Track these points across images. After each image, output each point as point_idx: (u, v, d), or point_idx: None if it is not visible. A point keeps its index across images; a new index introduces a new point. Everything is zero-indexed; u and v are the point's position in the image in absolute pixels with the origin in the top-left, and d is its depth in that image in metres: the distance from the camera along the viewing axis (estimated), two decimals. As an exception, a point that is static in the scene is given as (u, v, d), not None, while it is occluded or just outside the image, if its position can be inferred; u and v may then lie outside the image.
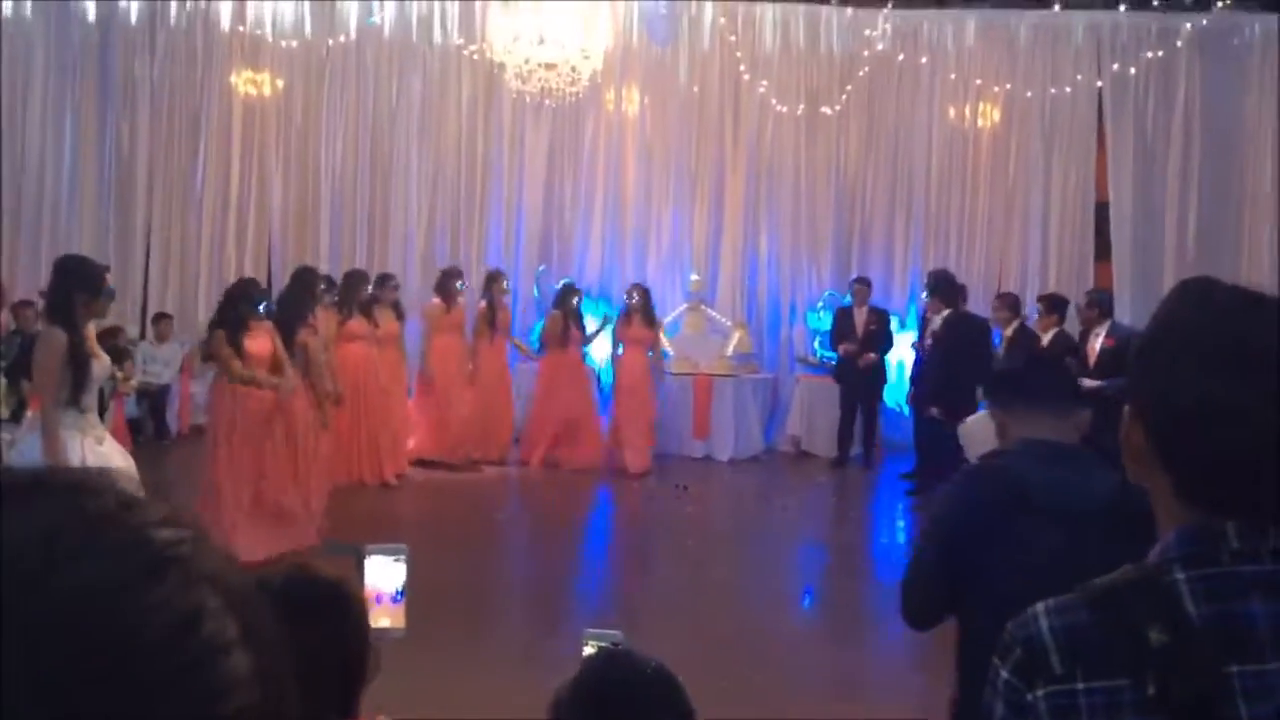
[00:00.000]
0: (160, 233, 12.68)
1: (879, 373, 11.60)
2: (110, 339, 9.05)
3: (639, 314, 11.03)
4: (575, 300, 11.15)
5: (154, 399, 11.38)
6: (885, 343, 11.64)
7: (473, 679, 5.38)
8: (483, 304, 10.89)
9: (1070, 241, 12.77)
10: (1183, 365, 1.24)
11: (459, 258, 12.71)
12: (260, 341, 7.38)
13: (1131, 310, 11.64)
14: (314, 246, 12.72)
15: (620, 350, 11.14)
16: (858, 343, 11.42)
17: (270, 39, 12.49)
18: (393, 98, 12.74)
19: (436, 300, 10.82)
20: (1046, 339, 9.76)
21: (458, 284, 10.85)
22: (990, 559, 2.64)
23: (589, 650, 2.43)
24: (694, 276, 12.57)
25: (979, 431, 3.29)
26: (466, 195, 12.93)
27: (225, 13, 12.49)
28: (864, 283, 11.81)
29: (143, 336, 11.87)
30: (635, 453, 10.79)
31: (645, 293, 11.23)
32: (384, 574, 2.06)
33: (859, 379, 11.38)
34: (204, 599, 0.53)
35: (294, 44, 12.51)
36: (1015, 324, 10.08)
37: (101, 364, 4.78)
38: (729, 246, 12.97)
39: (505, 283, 11.16)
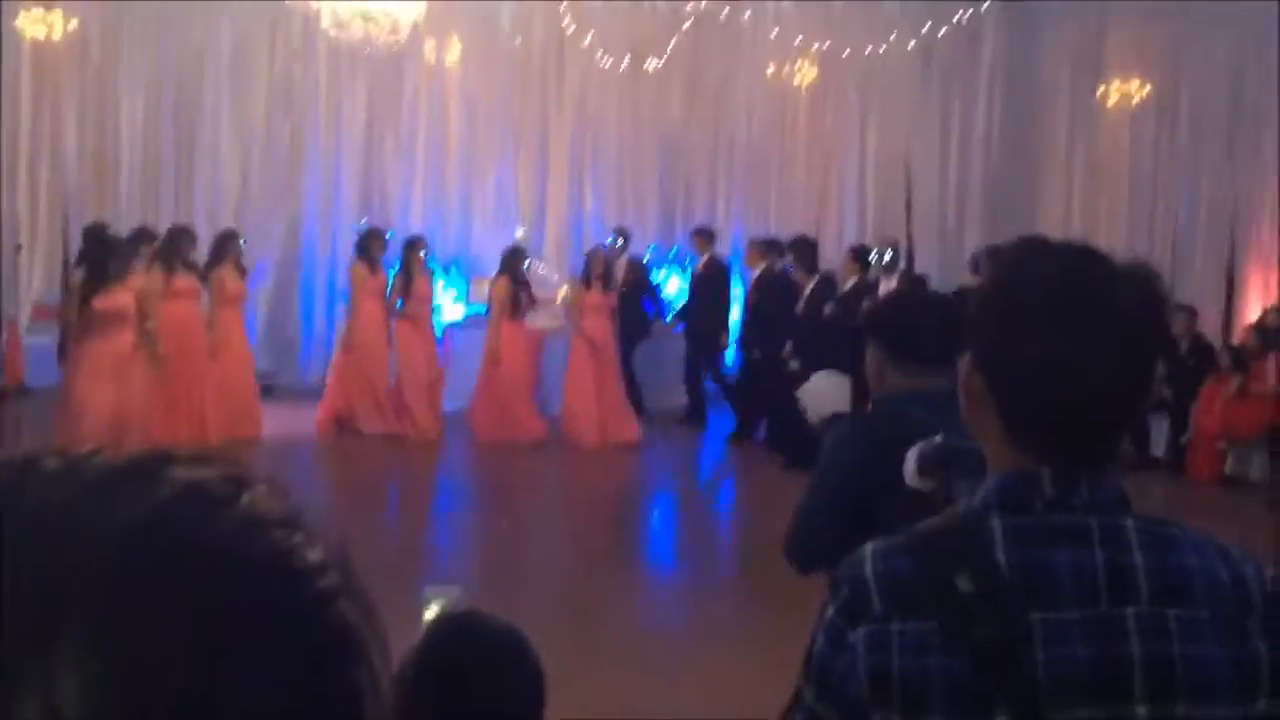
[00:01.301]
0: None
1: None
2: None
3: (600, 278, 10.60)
4: (422, 254, 10.66)
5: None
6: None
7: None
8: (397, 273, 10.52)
9: (883, 197, 13.24)
10: (1019, 317, 1.33)
11: (273, 211, 12.25)
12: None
13: (935, 260, 12.26)
14: (114, 200, 12.00)
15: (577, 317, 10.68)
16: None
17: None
18: (199, 42, 12.08)
19: (360, 262, 10.49)
20: (848, 285, 10.21)
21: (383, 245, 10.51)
22: (889, 505, 2.61)
23: (430, 611, 2.38)
24: (519, 230, 12.46)
25: (826, 391, 3.30)
26: (281, 146, 12.42)
27: (10, -52, 11.57)
28: (702, 234, 11.72)
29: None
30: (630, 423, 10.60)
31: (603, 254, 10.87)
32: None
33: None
34: (312, 552, 0.53)
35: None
36: (815, 278, 10.49)
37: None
38: (554, 200, 12.90)
39: (424, 250, 10.69)
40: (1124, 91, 13.05)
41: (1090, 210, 13.15)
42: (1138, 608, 1.29)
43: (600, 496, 9.16)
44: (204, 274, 9.78)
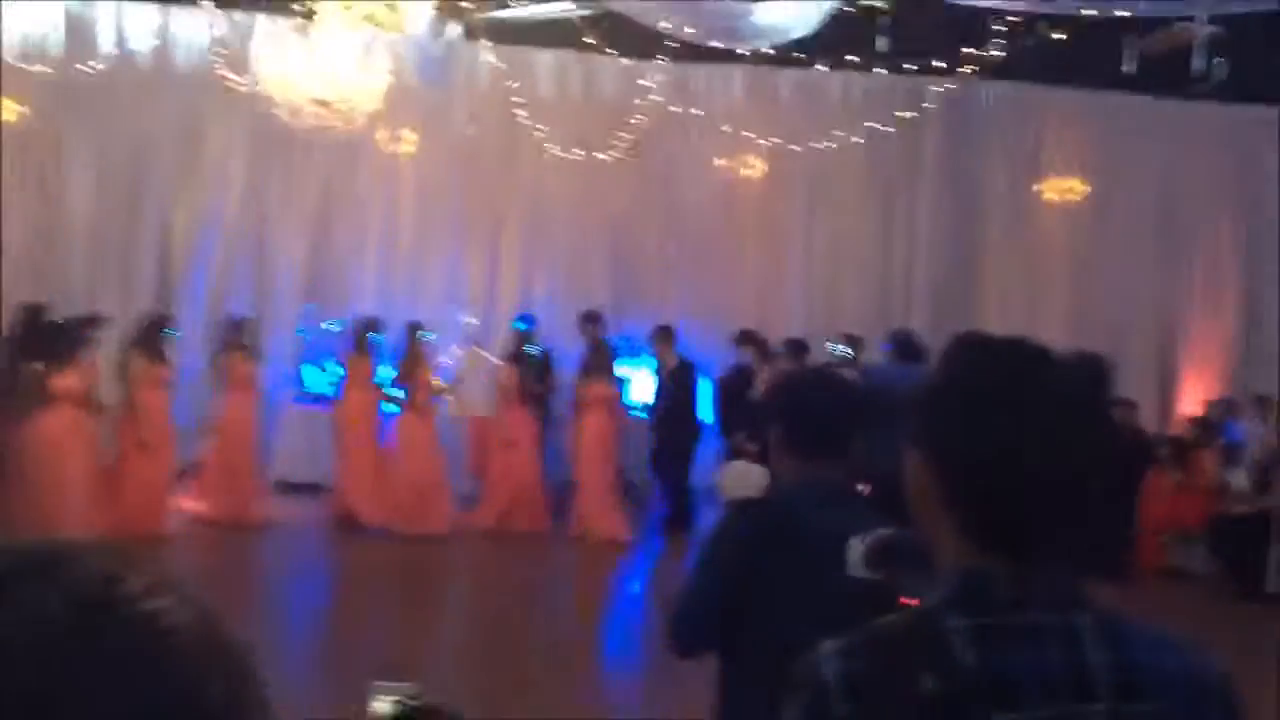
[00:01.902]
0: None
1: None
2: None
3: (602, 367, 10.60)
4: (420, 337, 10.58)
5: None
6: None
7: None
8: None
9: (829, 288, 13.44)
10: (966, 413, 1.36)
11: (223, 297, 12.16)
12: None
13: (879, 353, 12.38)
14: (60, 284, 11.84)
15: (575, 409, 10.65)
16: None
17: (14, 63, 11.62)
18: (149, 131, 12.08)
19: (352, 351, 10.48)
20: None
21: (375, 335, 10.52)
22: (761, 598, 2.67)
23: (380, 706, 2.34)
24: (468, 319, 12.47)
25: (743, 474, 3.31)
26: (231, 233, 12.38)
27: (-41, 31, 11.55)
28: (665, 332, 11.68)
29: None
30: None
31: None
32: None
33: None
34: (197, 667, 0.53)
35: (41, 68, 11.68)
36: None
37: None
38: (505, 290, 12.95)
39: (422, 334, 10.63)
40: (1061, 189, 13.44)
41: (1029, 304, 13.43)
42: (1100, 705, 1.29)
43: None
44: (214, 359, 10.16)
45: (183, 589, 0.55)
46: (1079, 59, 11.24)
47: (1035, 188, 13.54)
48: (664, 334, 11.63)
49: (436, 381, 10.50)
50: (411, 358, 10.32)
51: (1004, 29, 10.80)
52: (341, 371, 11.00)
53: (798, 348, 11.08)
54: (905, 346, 10.21)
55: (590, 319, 11.48)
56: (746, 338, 11.27)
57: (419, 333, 10.54)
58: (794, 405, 2.95)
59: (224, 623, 0.56)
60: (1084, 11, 9.64)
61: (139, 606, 0.53)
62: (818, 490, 2.76)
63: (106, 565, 0.54)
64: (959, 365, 1.43)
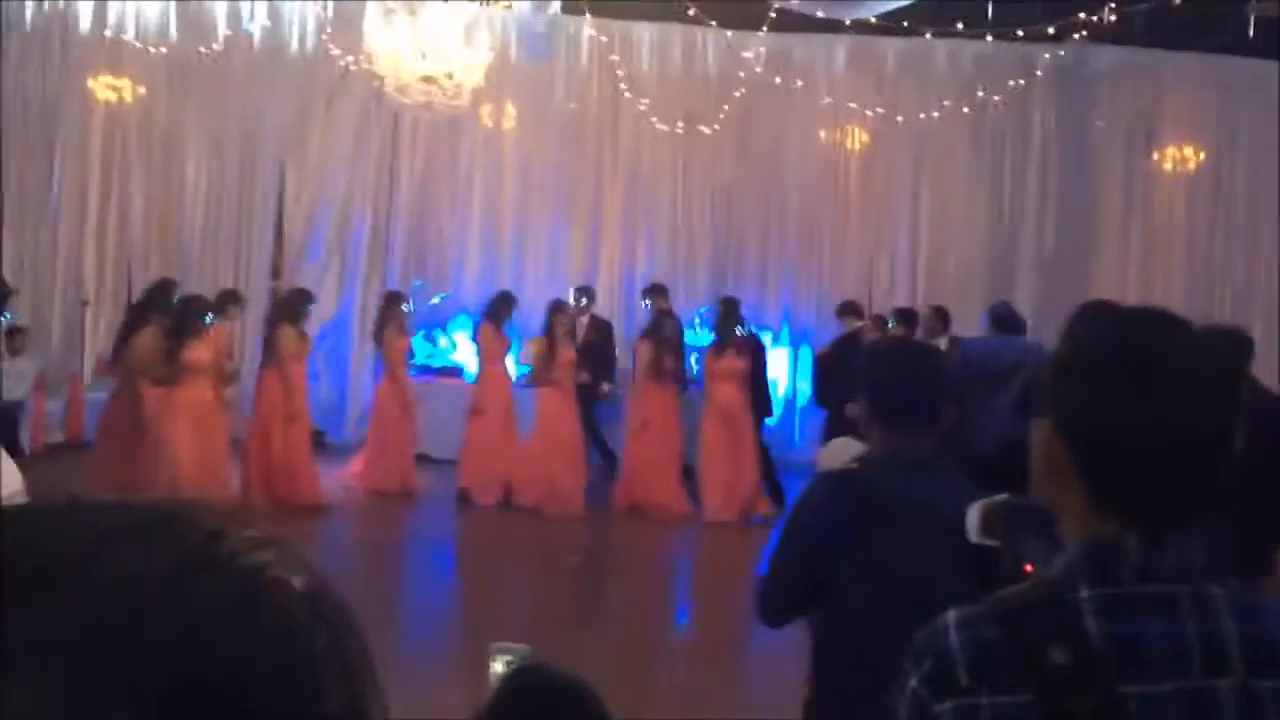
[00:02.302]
0: (12, 244, 12.08)
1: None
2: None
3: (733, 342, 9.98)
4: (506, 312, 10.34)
5: (5, 415, 10.79)
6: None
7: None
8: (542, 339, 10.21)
9: (934, 261, 13.24)
10: (1098, 382, 1.33)
11: (330, 271, 12.48)
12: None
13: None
14: (178, 261, 12.28)
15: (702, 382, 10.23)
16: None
17: (134, 44, 12.04)
18: (262, 109, 12.42)
19: (488, 325, 10.36)
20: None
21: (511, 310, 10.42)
22: (848, 568, 2.70)
23: (497, 666, 2.41)
24: (570, 292, 12.55)
25: (837, 454, 3.33)
26: (338, 208, 12.67)
27: (85, 15, 12.00)
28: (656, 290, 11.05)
29: (-7, 351, 11.27)
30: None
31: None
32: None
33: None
34: (294, 618, 0.55)
35: (160, 50, 12.08)
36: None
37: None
38: (606, 262, 13.03)
39: (568, 314, 10.38)
40: (1178, 158, 13.03)
41: (1144, 275, 13.08)
42: (1231, 679, 1.27)
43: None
44: (375, 334, 10.40)
45: (287, 548, 0.58)
46: (1196, 22, 10.87)
47: (1151, 156, 13.13)
48: (657, 291, 11.02)
49: (571, 356, 10.18)
50: (552, 334, 9.98)
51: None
52: (474, 346, 11.01)
53: (908, 317, 10.89)
54: (1003, 319, 10.05)
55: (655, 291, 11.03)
56: (849, 308, 11.11)
57: (560, 309, 10.24)
58: (881, 376, 2.95)
59: (331, 584, 0.59)
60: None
61: (239, 561, 0.55)
62: (904, 459, 2.77)
63: (210, 522, 0.57)
64: (1091, 333, 1.42)
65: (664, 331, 10.23)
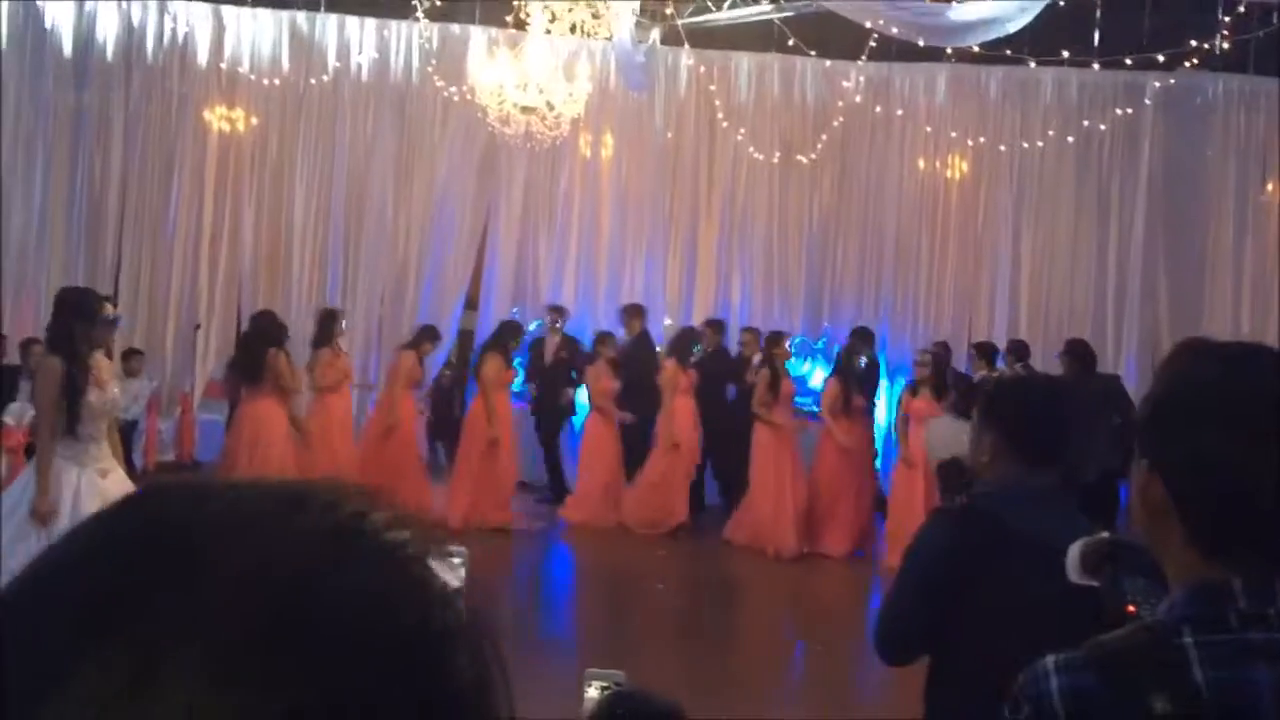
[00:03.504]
0: (130, 269, 12.55)
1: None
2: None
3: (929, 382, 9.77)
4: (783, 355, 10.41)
5: (120, 435, 11.17)
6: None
7: None
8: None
9: (1037, 294, 12.97)
10: (1202, 422, 1.30)
11: (433, 299, 12.70)
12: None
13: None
14: (285, 287, 12.64)
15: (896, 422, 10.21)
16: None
17: (248, 75, 12.47)
18: (368, 138, 12.74)
19: (671, 359, 10.67)
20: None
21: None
22: (970, 602, 2.68)
23: (592, 691, 2.41)
24: (667, 322, 12.61)
25: (943, 434, 3.33)
26: (439, 238, 12.91)
27: (202, 49, 12.47)
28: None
29: (109, 372, 11.69)
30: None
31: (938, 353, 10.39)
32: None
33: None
34: (436, 593, 0.57)
35: (272, 81, 12.49)
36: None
37: (103, 394, 4.72)
38: (702, 293, 13.03)
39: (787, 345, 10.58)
40: (1294, 188, 12.59)
41: (1259, 312, 12.63)
42: None
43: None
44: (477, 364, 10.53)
45: (420, 525, 0.59)
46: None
47: (1265, 188, 12.71)
48: (634, 311, 11.28)
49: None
50: (773, 369, 10.11)
51: (1230, 19, 10.21)
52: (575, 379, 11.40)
53: (1021, 350, 10.75)
54: (1082, 356, 9.89)
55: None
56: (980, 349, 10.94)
57: (786, 343, 10.52)
58: (1012, 408, 2.92)
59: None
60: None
61: (385, 537, 0.57)
62: (1032, 495, 2.74)
63: (355, 500, 0.59)
64: (1192, 372, 1.38)
65: (854, 369, 10.35)
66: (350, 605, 0.53)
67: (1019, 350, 10.83)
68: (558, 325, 11.85)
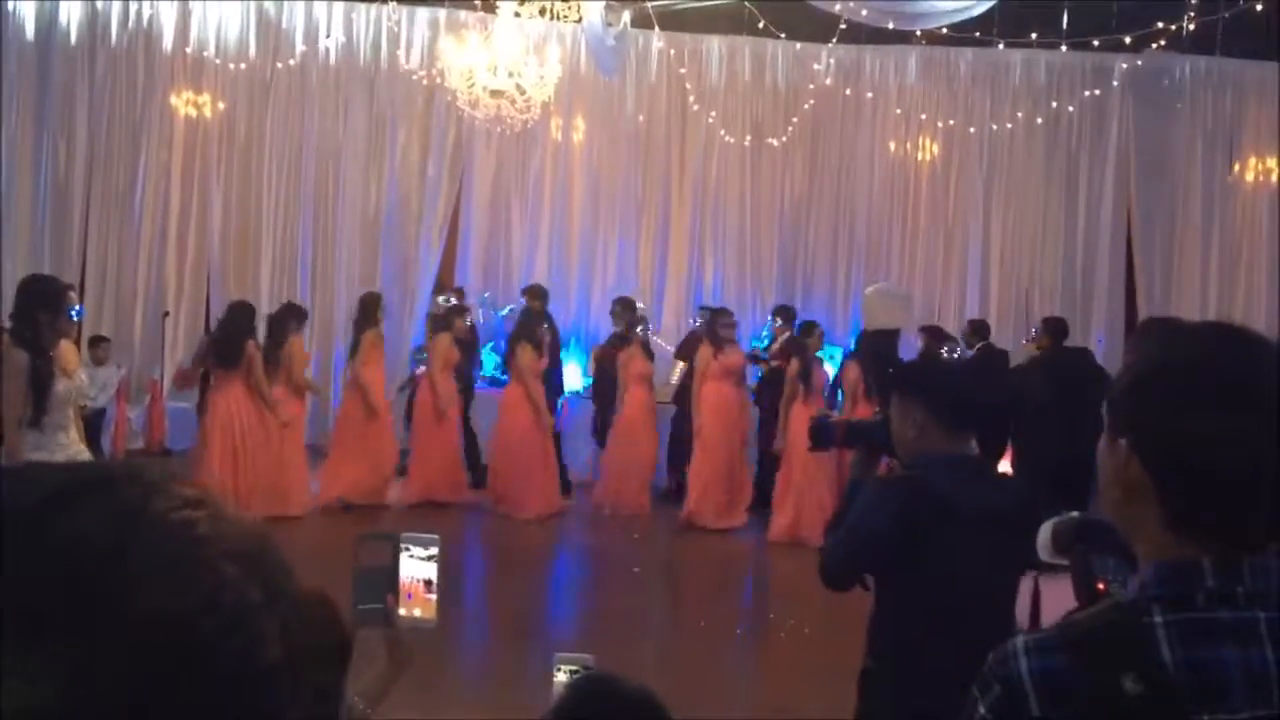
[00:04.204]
0: (96, 256, 12.42)
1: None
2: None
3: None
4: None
5: (89, 423, 11.06)
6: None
7: (444, 700, 5.31)
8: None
9: (1007, 274, 13.06)
10: (1181, 400, 1.30)
11: (404, 283, 12.64)
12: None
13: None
14: (254, 271, 12.55)
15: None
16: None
17: (214, 60, 12.34)
18: (337, 122, 12.64)
19: (707, 345, 10.27)
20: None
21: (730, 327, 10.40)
22: (919, 566, 2.95)
23: (561, 676, 2.41)
24: (639, 305, 12.58)
25: (880, 304, 3.70)
26: (411, 220, 12.84)
27: (168, 33, 12.33)
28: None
29: (77, 360, 11.57)
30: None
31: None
32: (417, 564, 2.05)
33: None
34: (225, 572, 0.59)
35: (239, 66, 12.37)
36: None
37: (70, 382, 4.67)
38: (674, 276, 13.04)
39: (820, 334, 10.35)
40: (1260, 169, 12.71)
41: (1225, 291, 12.77)
42: None
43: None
44: (509, 349, 10.38)
45: (222, 507, 0.62)
46: (1277, 30, 10.60)
47: (1232, 168, 12.83)
48: (625, 304, 11.07)
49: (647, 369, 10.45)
50: (804, 359, 9.97)
51: (1197, 1, 10.28)
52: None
53: (982, 330, 10.96)
54: (1055, 333, 10.05)
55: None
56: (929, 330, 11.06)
57: (819, 333, 10.39)
58: (940, 384, 3.24)
59: (270, 541, 0.63)
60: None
61: (172, 517, 0.59)
62: (958, 463, 3.05)
63: (150, 482, 0.61)
64: (1170, 351, 1.38)
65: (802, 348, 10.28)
66: (140, 585, 0.56)
67: (980, 329, 11.00)
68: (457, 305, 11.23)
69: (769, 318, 11.81)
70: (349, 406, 10.02)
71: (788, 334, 10.81)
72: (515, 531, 9.58)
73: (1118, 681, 1.22)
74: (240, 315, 9.38)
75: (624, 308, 11.02)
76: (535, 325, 10.16)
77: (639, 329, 10.54)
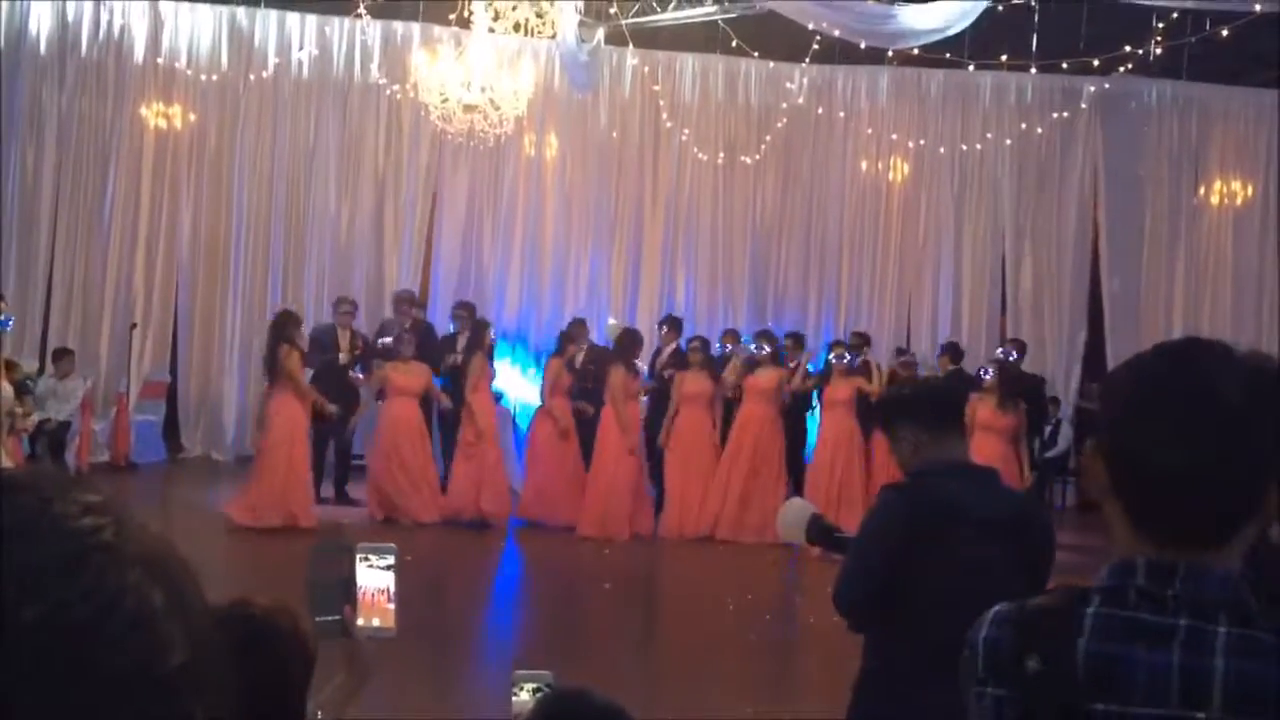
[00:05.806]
0: (63, 266, 12.31)
1: None
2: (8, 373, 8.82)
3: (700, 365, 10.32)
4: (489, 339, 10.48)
5: (53, 436, 10.96)
6: None
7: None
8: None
9: (977, 294, 13.16)
10: (1131, 405, 1.39)
11: (374, 297, 12.58)
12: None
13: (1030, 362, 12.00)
14: (224, 284, 12.47)
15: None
16: None
17: (185, 71, 12.28)
18: (309, 135, 12.60)
19: (620, 366, 10.20)
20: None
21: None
22: (926, 567, 3.00)
23: (522, 695, 2.39)
24: (611, 321, 12.61)
25: (794, 515, 3.58)
26: (383, 234, 12.80)
27: (139, 44, 12.27)
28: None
29: (42, 372, 11.45)
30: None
31: (704, 342, 10.68)
32: (376, 574, 2.04)
33: None
34: (126, 577, 0.59)
35: (210, 77, 12.31)
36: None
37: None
38: (646, 291, 13.06)
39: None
40: (1226, 192, 12.88)
41: (1192, 311, 12.92)
42: (1208, 713, 1.29)
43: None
44: (464, 362, 10.26)
45: (127, 513, 0.62)
46: (1243, 55, 10.76)
47: (1198, 190, 13.00)
48: (579, 325, 11.00)
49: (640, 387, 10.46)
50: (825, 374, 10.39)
51: (1164, 26, 10.41)
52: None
53: (955, 353, 11.12)
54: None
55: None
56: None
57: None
58: (911, 393, 3.40)
59: (173, 548, 0.63)
60: (1258, 8, 9.22)
61: (69, 524, 0.59)
62: (963, 469, 3.16)
63: (49, 489, 0.61)
64: (1138, 365, 1.47)
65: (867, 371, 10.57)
66: (33, 589, 0.56)
67: (954, 352, 11.13)
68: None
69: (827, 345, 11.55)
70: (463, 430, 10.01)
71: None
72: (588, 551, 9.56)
73: (1022, 659, 1.35)
74: (274, 326, 9.53)
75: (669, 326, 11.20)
76: (630, 347, 10.20)
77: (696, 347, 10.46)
